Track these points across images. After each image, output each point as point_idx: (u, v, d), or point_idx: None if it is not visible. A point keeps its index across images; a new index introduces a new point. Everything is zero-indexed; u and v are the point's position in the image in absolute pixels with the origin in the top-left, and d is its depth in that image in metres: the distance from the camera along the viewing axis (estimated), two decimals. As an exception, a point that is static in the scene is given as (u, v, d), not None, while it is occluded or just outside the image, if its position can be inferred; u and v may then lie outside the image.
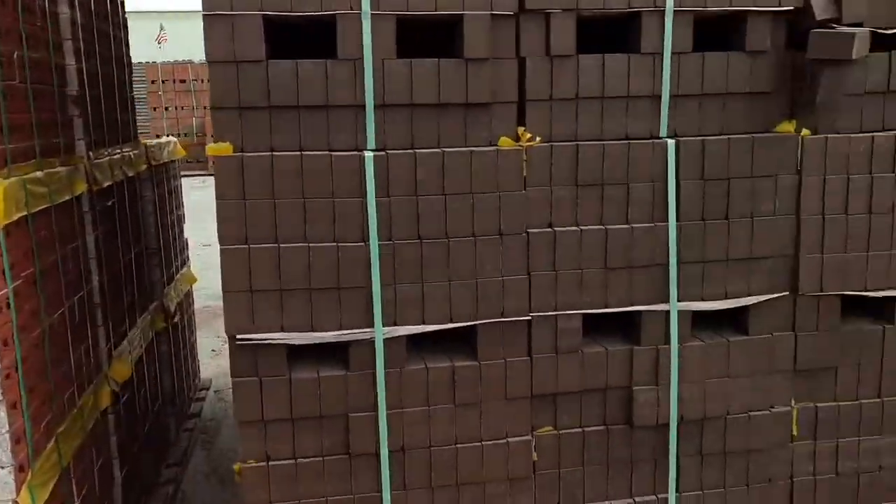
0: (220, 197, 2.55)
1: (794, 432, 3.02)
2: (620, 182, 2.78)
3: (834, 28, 2.76)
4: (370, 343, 2.65)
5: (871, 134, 2.93)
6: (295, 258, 2.57)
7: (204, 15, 2.52)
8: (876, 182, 2.93)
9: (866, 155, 2.92)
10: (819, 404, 3.04)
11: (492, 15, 2.63)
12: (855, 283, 2.98)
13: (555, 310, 2.79)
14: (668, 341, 2.87)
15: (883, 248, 2.97)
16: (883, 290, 3.00)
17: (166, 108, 18.51)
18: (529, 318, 2.77)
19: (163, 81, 18.45)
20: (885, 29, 2.87)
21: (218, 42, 2.51)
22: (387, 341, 2.65)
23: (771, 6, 2.79)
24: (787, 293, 2.96)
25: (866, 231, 2.96)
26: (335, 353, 2.71)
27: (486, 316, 2.73)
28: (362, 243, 2.61)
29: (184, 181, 5.52)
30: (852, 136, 2.92)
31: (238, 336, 2.58)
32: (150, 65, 18.86)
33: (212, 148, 2.56)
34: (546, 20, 2.68)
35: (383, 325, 2.64)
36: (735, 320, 3.01)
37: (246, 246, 2.56)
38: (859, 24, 2.81)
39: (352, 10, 2.55)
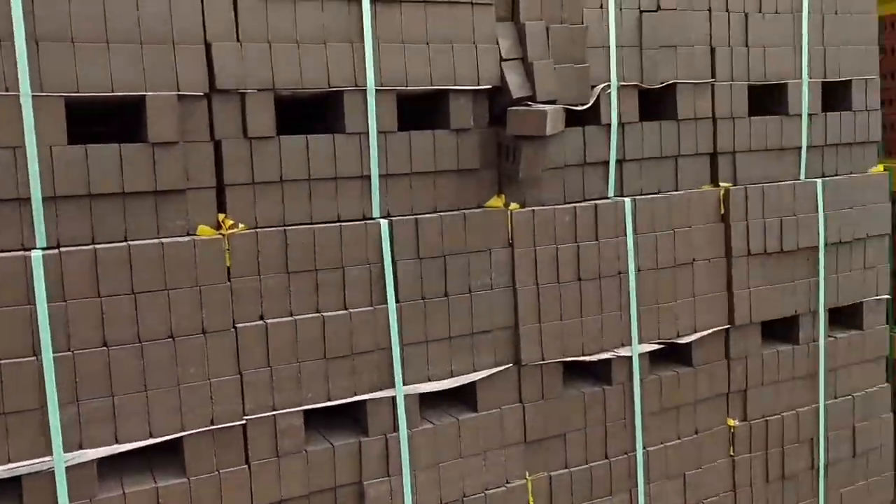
0: None
1: (532, 505, 3.01)
2: (335, 266, 2.65)
3: (529, 105, 2.87)
4: (49, 474, 2.25)
5: (573, 205, 3.06)
6: (-57, 384, 2.15)
7: None
8: (582, 250, 3.05)
9: (571, 225, 3.04)
10: (552, 473, 3.05)
11: (178, 96, 2.42)
12: (573, 349, 3.06)
13: (273, 409, 2.57)
14: (397, 428, 2.74)
15: (594, 313, 3.09)
16: (598, 353, 3.11)
17: None
18: (244, 422, 2.52)
19: None
20: (576, 106, 3.04)
21: None
22: (70, 469, 2.27)
23: (470, 85, 2.84)
24: (512, 365, 2.97)
25: (578, 298, 3.06)
26: (4, 493, 2.28)
27: (193, 426, 2.44)
28: (33, 357, 2.23)
29: None
30: (557, 207, 3.02)
31: None
32: None
33: None
34: (241, 100, 2.53)
35: (65, 451, 2.26)
36: (464, 398, 2.96)
37: None
38: (553, 101, 2.95)
39: (8, 91, 2.23)
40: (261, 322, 2.55)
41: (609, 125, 3.13)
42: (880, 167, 3.82)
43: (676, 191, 3.30)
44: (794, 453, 3.58)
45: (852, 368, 3.74)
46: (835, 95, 3.72)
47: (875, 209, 3.75)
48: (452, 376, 2.85)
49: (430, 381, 2.81)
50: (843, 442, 3.72)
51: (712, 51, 3.34)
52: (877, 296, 3.79)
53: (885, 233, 3.79)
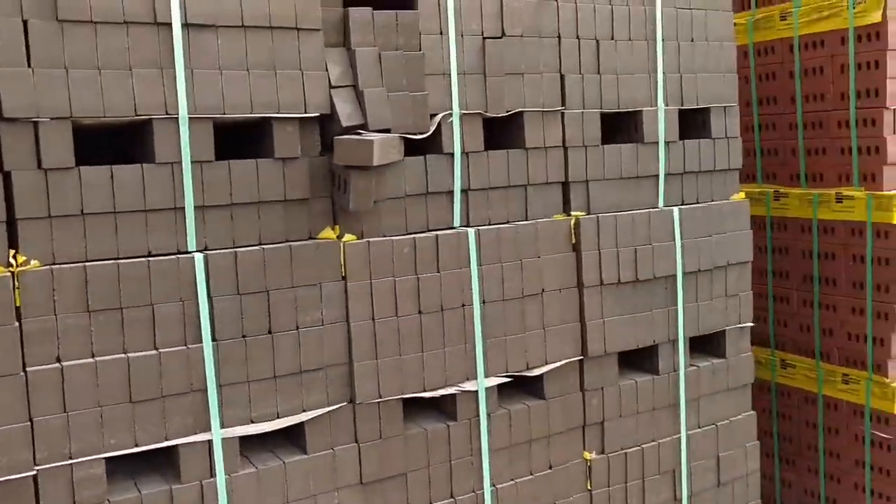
0: None
1: (369, 549, 2.88)
2: (143, 304, 2.51)
3: (361, 134, 2.78)
4: None
5: (413, 235, 2.97)
6: None
7: None
8: (422, 282, 2.96)
9: (410, 256, 2.95)
10: (392, 515, 2.93)
11: (-41, 124, 2.27)
12: (413, 385, 2.95)
13: (69, 458, 2.40)
14: (214, 474, 2.60)
15: (436, 347, 2.99)
16: (442, 388, 3.01)
17: None
18: (34, 472, 2.35)
19: None
20: (413, 134, 2.96)
21: None
22: None
23: (297, 113, 2.74)
24: (347, 403, 2.85)
25: (418, 331, 2.96)
26: None
27: (-27, 479, 2.27)
28: None
29: None
30: (395, 238, 2.93)
31: None
32: None
33: None
34: (34, 130, 2.38)
35: None
36: (295, 440, 2.82)
37: None
38: (387, 130, 2.86)
39: None
40: (56, 364, 2.39)
41: (452, 154, 3.06)
42: (742, 194, 3.83)
43: (527, 220, 3.24)
44: (656, 485, 3.52)
45: (716, 397, 3.72)
46: (693, 123, 3.73)
47: (736, 236, 3.75)
48: (279, 417, 2.72)
49: (252, 423, 2.67)
50: (708, 472, 3.68)
51: (562, 78, 3.30)
52: (739, 324, 3.78)
53: (746, 260, 3.79)
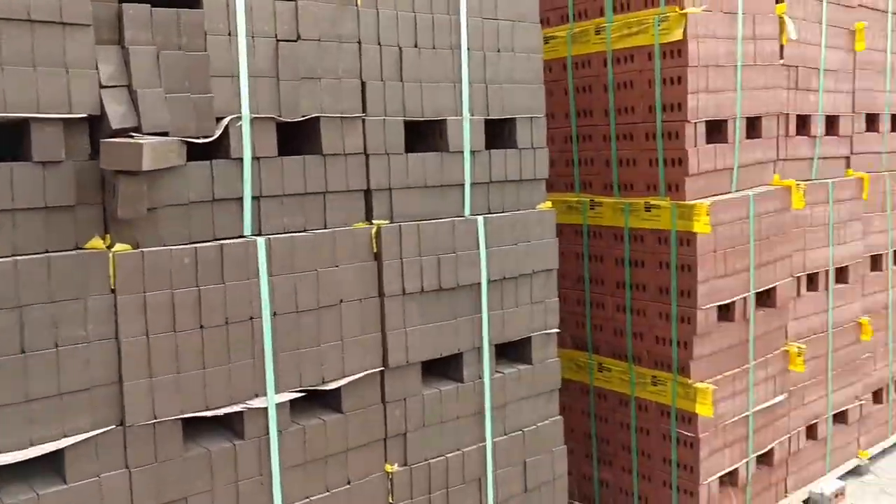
0: None
1: (143, 581, 2.69)
2: None
3: (132, 137, 2.60)
4: None
5: (195, 245, 2.81)
6: None
7: None
8: (204, 294, 2.81)
9: (191, 267, 2.79)
10: (170, 542, 2.76)
11: None
12: (194, 404, 2.79)
13: None
14: (-49, 512, 2.36)
15: (220, 363, 2.84)
16: (225, 406, 2.87)
17: None
18: None
19: None
20: (197, 138, 2.80)
21: None
22: None
23: (60, 114, 2.53)
24: (117, 426, 2.66)
25: (199, 347, 2.80)
26: None
27: None
28: None
29: None
30: (173, 248, 2.76)
31: None
32: None
33: None
34: None
35: None
36: (58, 469, 2.61)
37: None
38: (165, 133, 2.70)
39: None
40: None
41: (241, 159, 2.93)
42: (548, 203, 3.90)
43: (326, 229, 3.15)
44: (461, 494, 3.51)
45: (522, 403, 3.75)
46: (500, 133, 3.75)
47: (542, 245, 3.80)
48: (32, 445, 2.49)
49: (1, 453, 2.44)
50: (514, 478, 3.72)
51: (363, 84, 3.23)
52: (545, 330, 3.84)
53: (551, 268, 3.86)
